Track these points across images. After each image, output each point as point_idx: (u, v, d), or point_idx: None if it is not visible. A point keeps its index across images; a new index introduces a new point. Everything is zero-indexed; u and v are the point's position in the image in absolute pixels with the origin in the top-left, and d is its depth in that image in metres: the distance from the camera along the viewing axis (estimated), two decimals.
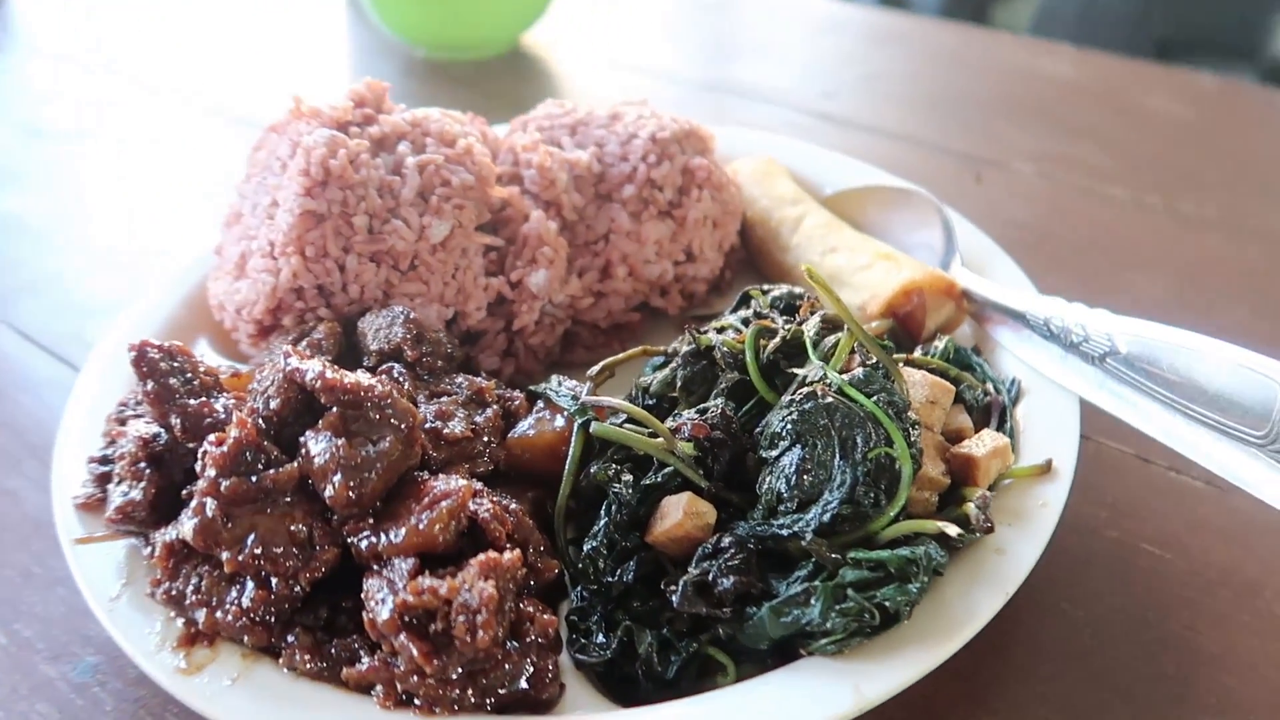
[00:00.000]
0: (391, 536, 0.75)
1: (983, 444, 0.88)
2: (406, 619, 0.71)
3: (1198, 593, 0.94)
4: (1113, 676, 0.87)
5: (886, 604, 0.75)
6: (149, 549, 0.83)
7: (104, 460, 0.92)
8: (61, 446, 0.96)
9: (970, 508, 0.81)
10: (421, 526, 0.74)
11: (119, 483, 0.83)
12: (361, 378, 0.79)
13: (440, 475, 0.81)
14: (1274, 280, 1.38)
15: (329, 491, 0.75)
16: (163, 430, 0.84)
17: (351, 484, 0.75)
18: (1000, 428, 0.95)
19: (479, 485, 0.81)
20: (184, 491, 0.82)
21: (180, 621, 0.79)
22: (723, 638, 0.79)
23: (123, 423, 0.92)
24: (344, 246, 1.00)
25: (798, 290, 1.06)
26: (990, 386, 0.99)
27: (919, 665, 0.75)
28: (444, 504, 0.75)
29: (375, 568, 0.76)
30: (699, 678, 0.80)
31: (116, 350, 1.09)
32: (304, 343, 0.97)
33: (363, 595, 0.75)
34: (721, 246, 1.23)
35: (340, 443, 0.76)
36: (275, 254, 1.01)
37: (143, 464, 0.82)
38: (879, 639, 0.76)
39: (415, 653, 0.70)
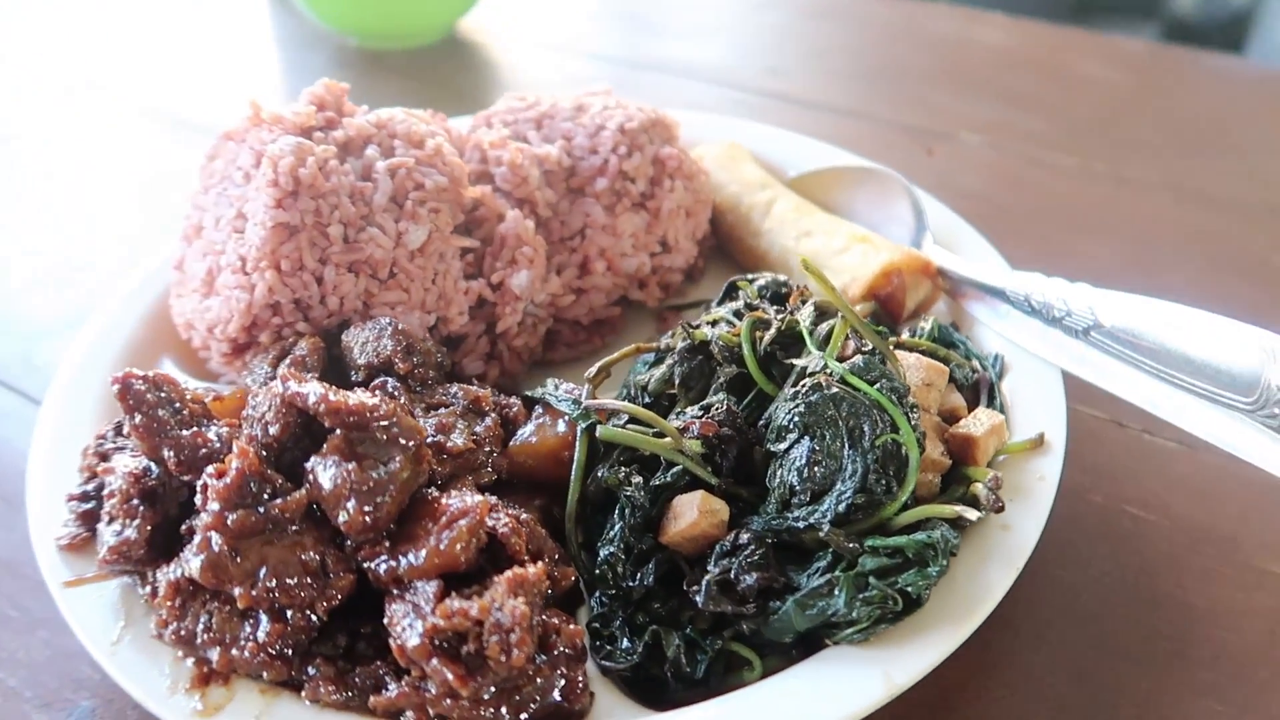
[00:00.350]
0: (412, 559, 0.73)
1: (980, 423, 0.90)
2: (437, 643, 0.69)
3: (1182, 550, 0.98)
4: (1114, 639, 0.90)
5: (908, 589, 0.76)
6: (147, 588, 0.80)
7: (85, 497, 0.88)
8: (34, 485, 0.92)
9: (980, 488, 0.83)
10: (443, 547, 0.73)
11: (110, 521, 0.80)
12: (364, 398, 0.77)
13: (451, 492, 0.79)
14: (1219, 240, 1.44)
15: (343, 518, 0.73)
16: (153, 464, 0.81)
17: (366, 509, 0.73)
18: (990, 404, 0.97)
19: (494, 499, 0.79)
20: (183, 526, 0.79)
21: (190, 661, 0.77)
22: (746, 633, 0.80)
23: (103, 457, 0.88)
24: (320, 258, 0.97)
25: (782, 278, 1.06)
26: (976, 364, 1.01)
27: (942, 647, 0.76)
28: (462, 522, 0.74)
29: (396, 592, 0.74)
30: (725, 674, 0.80)
31: (78, 378, 1.04)
32: (287, 360, 0.94)
33: (385, 621, 0.73)
34: (695, 235, 1.22)
35: (351, 467, 0.74)
36: (248, 269, 0.97)
37: (135, 501, 0.79)
38: (901, 624, 0.77)
39: (450, 677, 0.68)
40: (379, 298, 0.99)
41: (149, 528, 0.79)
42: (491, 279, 1.06)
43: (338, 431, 0.76)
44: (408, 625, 0.71)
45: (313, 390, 0.76)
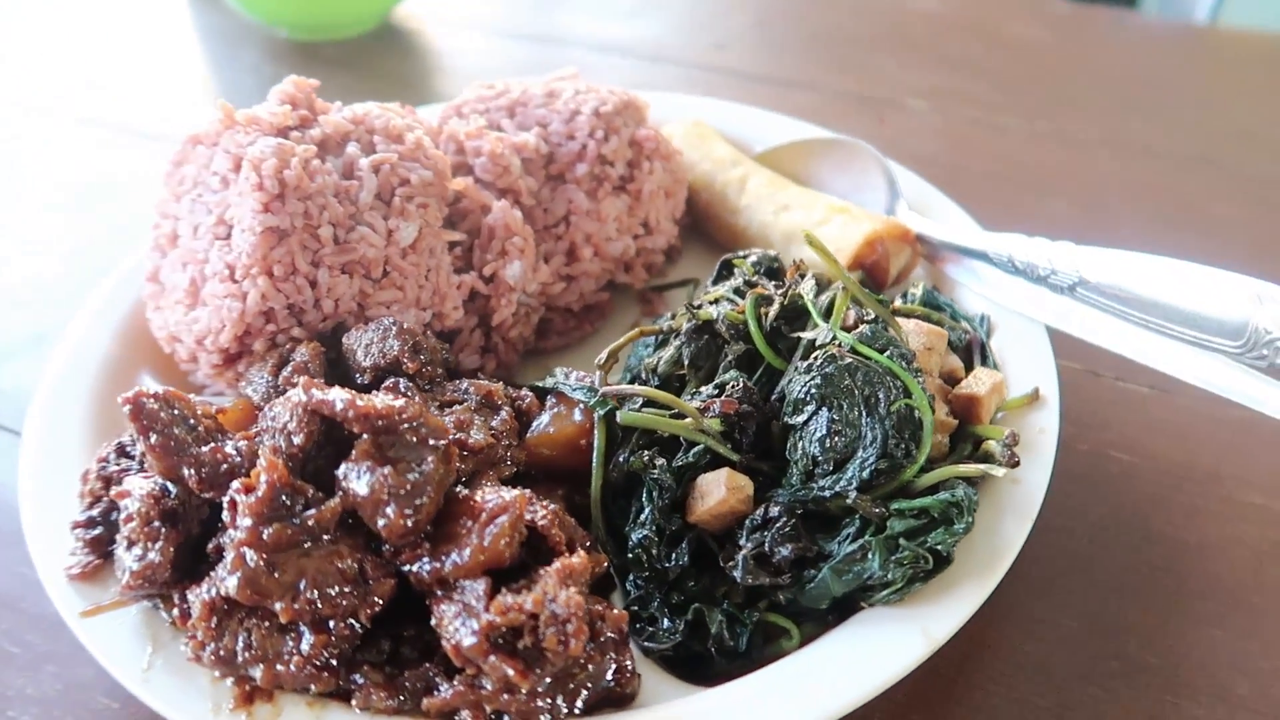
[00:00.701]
0: (456, 559, 0.72)
1: (981, 382, 0.93)
2: (493, 639, 0.69)
3: (1168, 490, 1.03)
4: (1115, 579, 0.95)
5: (938, 547, 0.79)
6: (174, 611, 0.78)
7: (91, 523, 0.85)
8: (30, 517, 0.88)
9: (994, 445, 0.86)
10: (487, 543, 0.72)
11: (130, 546, 0.77)
12: (390, 400, 0.76)
13: (483, 488, 0.79)
14: (1162, 193, 1.51)
15: (382, 523, 0.72)
16: (169, 483, 0.78)
17: (406, 512, 0.72)
18: (984, 363, 1.00)
19: (528, 492, 0.79)
20: (210, 545, 0.77)
21: (229, 681, 0.75)
22: (782, 603, 0.82)
23: (107, 481, 0.85)
24: (312, 261, 0.95)
25: (772, 254, 1.07)
26: (965, 325, 1.04)
27: (972, 599, 0.79)
28: (503, 518, 0.73)
29: (440, 593, 0.73)
30: (764, 645, 0.82)
31: (57, 402, 1.00)
32: (288, 367, 0.92)
33: (434, 623, 0.73)
34: (674, 215, 1.23)
35: (386, 471, 0.73)
36: (237, 276, 0.94)
37: (156, 522, 0.76)
38: (930, 582, 0.80)
39: (510, 672, 0.68)
40: (374, 298, 0.98)
41: (171, 549, 0.77)
42: (483, 271, 1.05)
43: (364, 437, 0.75)
44: (460, 625, 0.71)
45: (338, 396, 0.75)
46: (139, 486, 0.78)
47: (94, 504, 0.86)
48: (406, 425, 0.75)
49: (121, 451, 0.87)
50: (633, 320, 1.22)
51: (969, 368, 0.99)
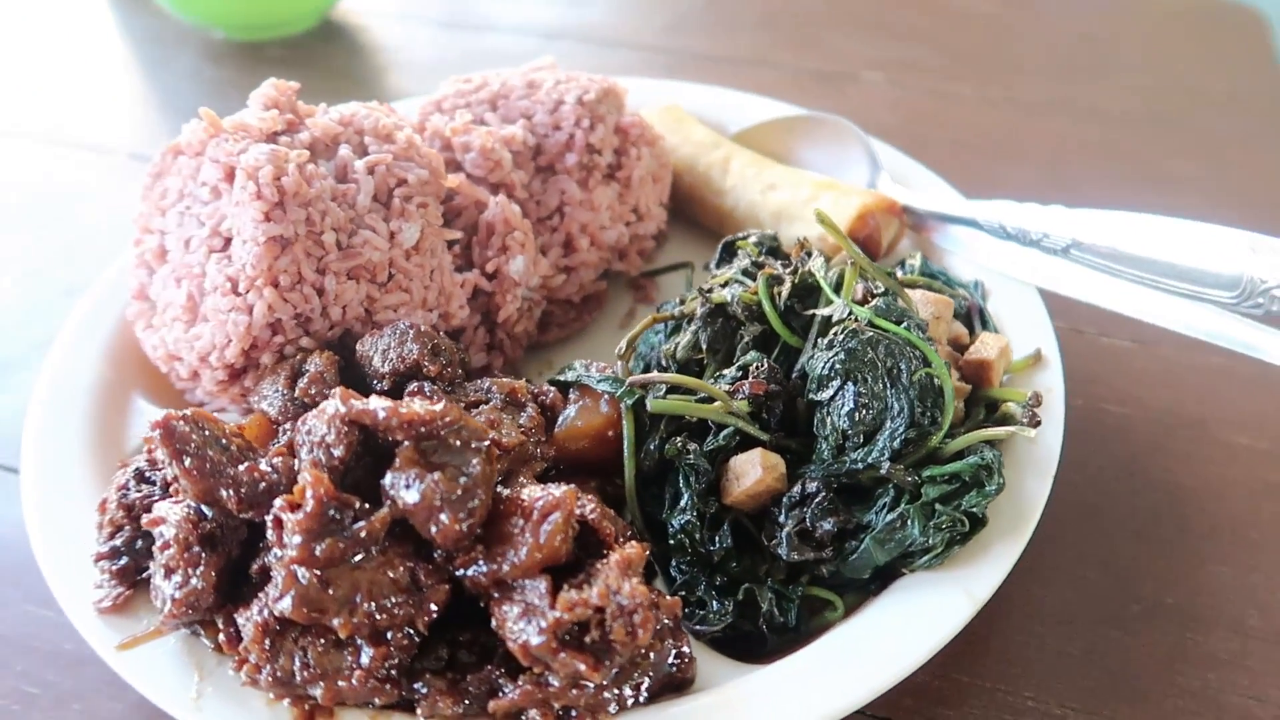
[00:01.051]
0: (514, 559, 0.72)
1: (989, 346, 0.95)
2: (560, 636, 0.70)
3: (1160, 437, 1.08)
4: (1123, 525, 0.99)
5: (973, 510, 0.81)
6: (219, 637, 0.76)
7: (115, 554, 0.82)
8: (46, 553, 0.85)
9: (1013, 407, 0.89)
10: (543, 541, 0.72)
11: (168, 574, 0.75)
12: (430, 406, 0.75)
13: (525, 486, 0.79)
14: (1119, 154, 1.56)
15: (436, 529, 0.72)
16: (203, 506, 0.76)
17: (460, 516, 0.72)
18: (985, 328, 1.03)
19: (573, 487, 0.79)
20: (254, 566, 0.75)
21: (286, 702, 0.74)
22: (825, 576, 0.84)
23: (129, 509, 0.82)
24: (318, 268, 0.93)
25: (770, 233, 1.09)
26: (963, 292, 1.07)
27: (1007, 557, 0.82)
28: (556, 515, 0.73)
29: (498, 595, 0.73)
30: (809, 619, 0.84)
31: (53, 430, 0.97)
32: (304, 379, 0.90)
33: (495, 625, 0.72)
34: (662, 200, 1.23)
35: (436, 478, 0.72)
36: (241, 289, 0.91)
37: (196, 547, 0.74)
38: (967, 544, 0.83)
39: (582, 667, 0.69)
40: (381, 302, 0.96)
41: (213, 573, 0.75)
42: (486, 268, 1.04)
43: (406, 444, 0.74)
44: (526, 624, 0.70)
45: (379, 405, 0.74)
46: (173, 512, 0.76)
47: (114, 534, 0.83)
48: (448, 430, 0.75)
49: (140, 478, 0.84)
50: (627, 308, 1.22)
51: (971, 334, 1.01)
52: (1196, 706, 0.85)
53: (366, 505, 0.74)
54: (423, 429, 0.74)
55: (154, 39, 2.03)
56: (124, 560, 0.82)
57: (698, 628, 0.82)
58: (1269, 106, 1.65)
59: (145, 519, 0.77)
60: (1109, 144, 1.57)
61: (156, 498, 0.82)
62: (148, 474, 0.85)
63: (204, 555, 0.75)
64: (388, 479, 0.74)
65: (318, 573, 0.71)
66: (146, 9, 2.06)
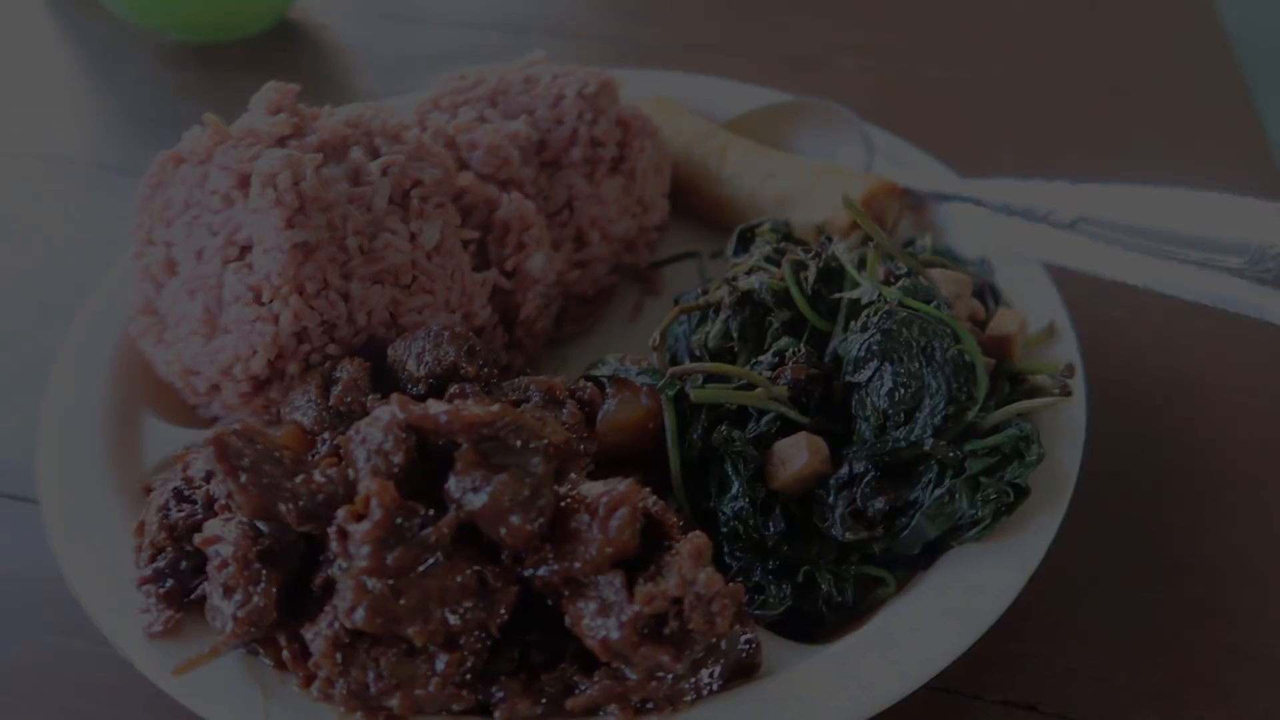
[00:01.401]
0: (584, 555, 0.72)
1: (1009, 321, 0.98)
2: (639, 629, 0.70)
3: (1161, 399, 1.12)
4: (1141, 487, 1.03)
5: (1017, 480, 0.84)
6: (282, 653, 0.74)
7: (159, 576, 0.80)
8: (81, 581, 0.82)
9: (1044, 379, 0.91)
10: (612, 535, 0.72)
11: (227, 594, 0.73)
12: (488, 407, 0.74)
13: (582, 482, 0.78)
14: (1086, 126, 1.60)
15: (505, 531, 0.71)
16: (258, 522, 0.75)
17: (530, 516, 0.71)
18: (998, 303, 1.06)
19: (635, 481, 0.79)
20: (317, 579, 0.74)
21: (358, 715, 0.73)
22: (876, 554, 0.85)
23: (171, 529, 0.80)
24: (343, 274, 0.91)
25: (782, 220, 1.10)
26: (973, 269, 1.09)
27: (1050, 525, 0.85)
28: (623, 509, 0.73)
29: (569, 593, 0.73)
30: (863, 597, 0.85)
31: (69, 456, 0.93)
32: (338, 386, 0.88)
33: (569, 623, 0.72)
34: (664, 191, 1.23)
35: (503, 479, 0.71)
36: (264, 298, 0.89)
37: (256, 565, 0.73)
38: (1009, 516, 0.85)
39: (665, 659, 0.69)
40: (406, 304, 0.95)
41: (275, 590, 0.73)
42: (505, 266, 1.03)
43: (465, 447, 0.74)
44: (603, 620, 0.70)
45: (438, 409, 0.73)
46: (229, 530, 0.74)
47: (155, 556, 0.81)
48: (507, 430, 0.74)
49: (180, 497, 0.82)
50: (634, 300, 1.22)
51: (985, 309, 1.04)
52: (1227, 658, 0.89)
53: (431, 511, 0.73)
54: (484, 430, 0.73)
55: (102, 44, 1.95)
56: (169, 582, 0.79)
57: (758, 612, 0.83)
58: (1216, 71, 1.71)
59: (197, 539, 0.75)
60: (1075, 118, 1.62)
61: (200, 517, 0.80)
62: (186, 493, 0.82)
63: (264, 572, 0.73)
64: (451, 483, 0.73)
65: (389, 583, 0.70)
66: (88, 13, 1.98)
